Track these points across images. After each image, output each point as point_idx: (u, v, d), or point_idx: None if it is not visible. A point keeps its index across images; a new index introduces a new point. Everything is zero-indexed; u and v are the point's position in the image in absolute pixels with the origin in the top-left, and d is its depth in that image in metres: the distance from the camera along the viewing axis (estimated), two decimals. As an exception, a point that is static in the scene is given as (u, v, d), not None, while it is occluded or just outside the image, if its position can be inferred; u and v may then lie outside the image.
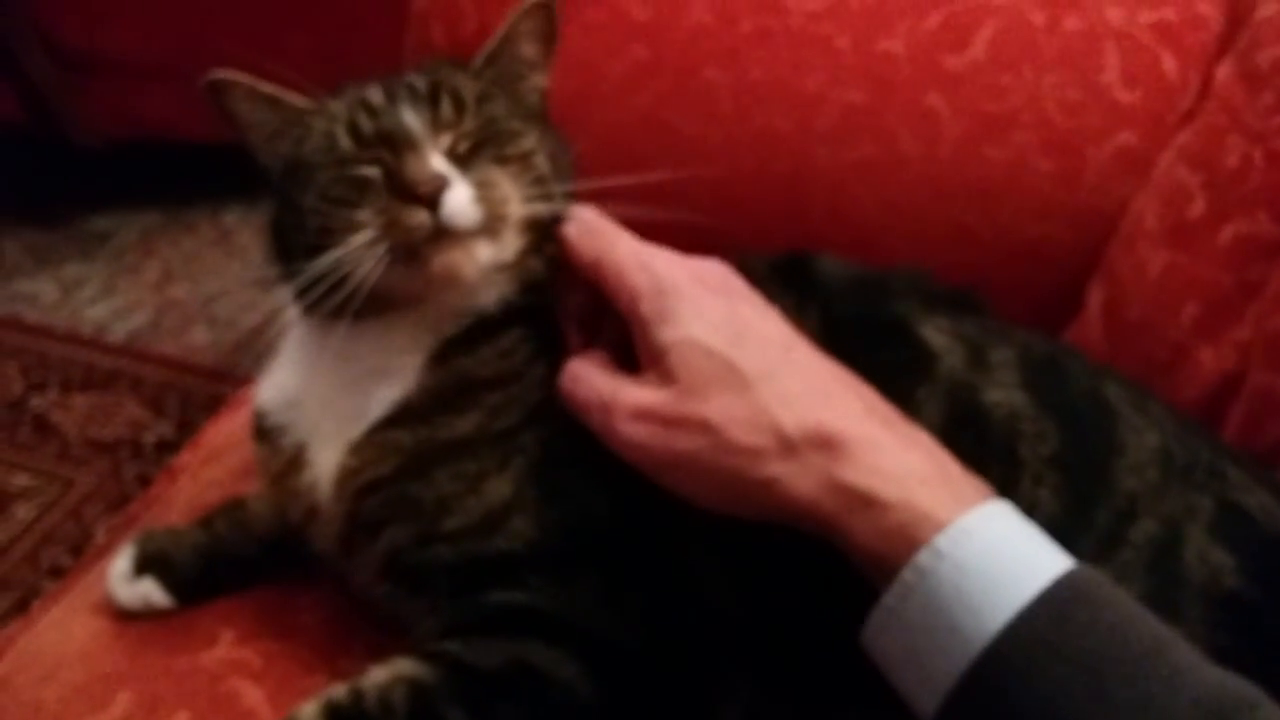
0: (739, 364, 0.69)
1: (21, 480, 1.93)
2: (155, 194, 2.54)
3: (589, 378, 0.74)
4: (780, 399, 0.68)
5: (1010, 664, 0.59)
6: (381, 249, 0.74)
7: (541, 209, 0.78)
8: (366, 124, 0.78)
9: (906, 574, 0.62)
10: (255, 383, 0.89)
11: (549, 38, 0.85)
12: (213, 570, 0.88)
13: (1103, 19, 1.02)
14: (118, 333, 2.24)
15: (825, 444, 0.66)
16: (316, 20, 2.17)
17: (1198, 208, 0.92)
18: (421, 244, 0.74)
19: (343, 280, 0.74)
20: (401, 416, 0.78)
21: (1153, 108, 1.00)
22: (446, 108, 0.79)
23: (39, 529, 1.85)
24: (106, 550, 0.98)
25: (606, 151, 0.87)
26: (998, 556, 0.62)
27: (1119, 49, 1.01)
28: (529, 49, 0.84)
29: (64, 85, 2.29)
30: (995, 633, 0.59)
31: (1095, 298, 1.00)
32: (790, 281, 0.82)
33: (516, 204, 0.78)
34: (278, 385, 0.85)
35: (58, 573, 1.75)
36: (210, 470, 1.04)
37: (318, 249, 0.75)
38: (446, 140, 0.78)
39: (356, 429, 0.79)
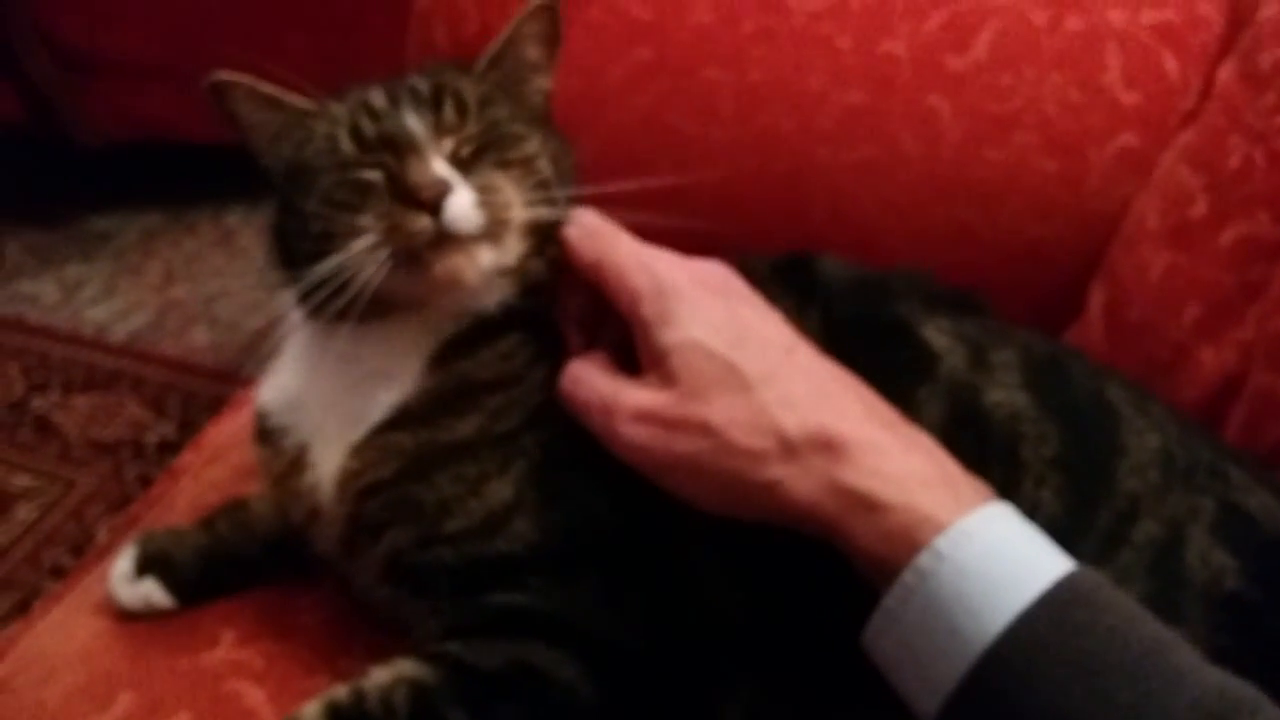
0: (740, 366, 0.69)
1: (23, 481, 1.93)
2: (157, 194, 2.54)
3: (590, 379, 0.74)
4: (781, 401, 0.68)
5: (1010, 666, 0.59)
6: (383, 254, 0.74)
7: (543, 213, 0.78)
8: (369, 127, 0.78)
9: (907, 576, 0.62)
10: (257, 384, 0.89)
11: (552, 40, 0.84)
12: (214, 571, 0.88)
13: (1104, 20, 1.01)
14: (119, 333, 2.24)
15: (826, 446, 0.66)
16: (318, 20, 2.17)
17: (1199, 208, 0.92)
18: (423, 249, 0.74)
19: (345, 285, 0.74)
20: (402, 419, 0.78)
21: (1154, 108, 1.00)
22: (449, 111, 0.78)
23: (40, 530, 1.85)
24: (108, 551, 0.98)
25: (608, 152, 0.87)
26: (998, 559, 0.62)
27: (1120, 50, 1.01)
28: (532, 51, 0.84)
29: (65, 85, 2.29)
30: (995, 635, 0.59)
31: (1096, 298, 1.00)
32: (791, 282, 0.82)
33: (518, 208, 0.78)
34: (280, 387, 0.85)
35: (59, 573, 1.75)
36: (212, 471, 1.04)
37: (320, 253, 0.75)
38: (449, 144, 0.78)
39: (358, 431, 0.79)
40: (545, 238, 0.79)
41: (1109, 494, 0.72)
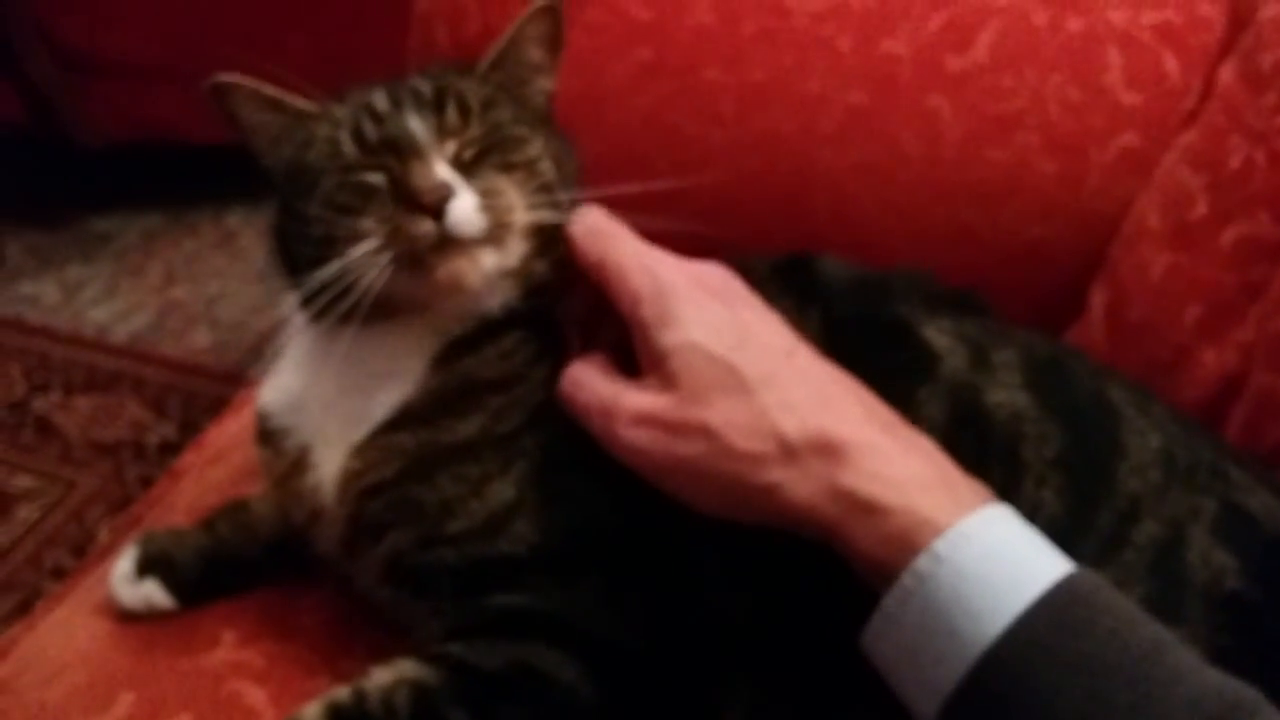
0: (740, 369, 0.69)
1: (24, 482, 1.93)
2: (157, 195, 2.54)
3: (590, 382, 0.74)
4: (781, 404, 0.68)
5: (1009, 668, 0.59)
6: (386, 257, 0.74)
7: (546, 216, 0.78)
8: (371, 130, 0.78)
9: (906, 578, 0.62)
10: (258, 384, 0.89)
11: (555, 41, 0.84)
12: (215, 572, 0.88)
13: (1105, 20, 1.01)
14: (120, 334, 2.24)
15: (826, 450, 0.66)
16: (319, 21, 2.17)
17: (1200, 209, 0.92)
18: (426, 252, 0.74)
19: (347, 288, 0.74)
20: (404, 419, 0.78)
21: (1155, 109, 1.00)
22: (452, 114, 0.78)
23: (41, 530, 1.85)
24: (109, 552, 0.98)
25: (608, 153, 0.87)
26: (997, 561, 0.62)
27: (1121, 50, 1.01)
28: (535, 53, 0.84)
29: (66, 86, 2.29)
30: (994, 637, 0.59)
31: (1097, 299, 1.00)
32: (792, 282, 0.82)
33: (521, 211, 0.78)
34: (281, 388, 0.85)
35: (60, 574, 1.75)
36: (213, 472, 1.04)
37: (321, 258, 0.75)
38: (451, 147, 0.78)
39: (360, 431, 0.79)
40: (548, 240, 0.79)
41: (1110, 494, 0.72)
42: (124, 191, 2.52)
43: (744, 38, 1.07)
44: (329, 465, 0.80)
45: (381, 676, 0.72)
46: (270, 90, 0.80)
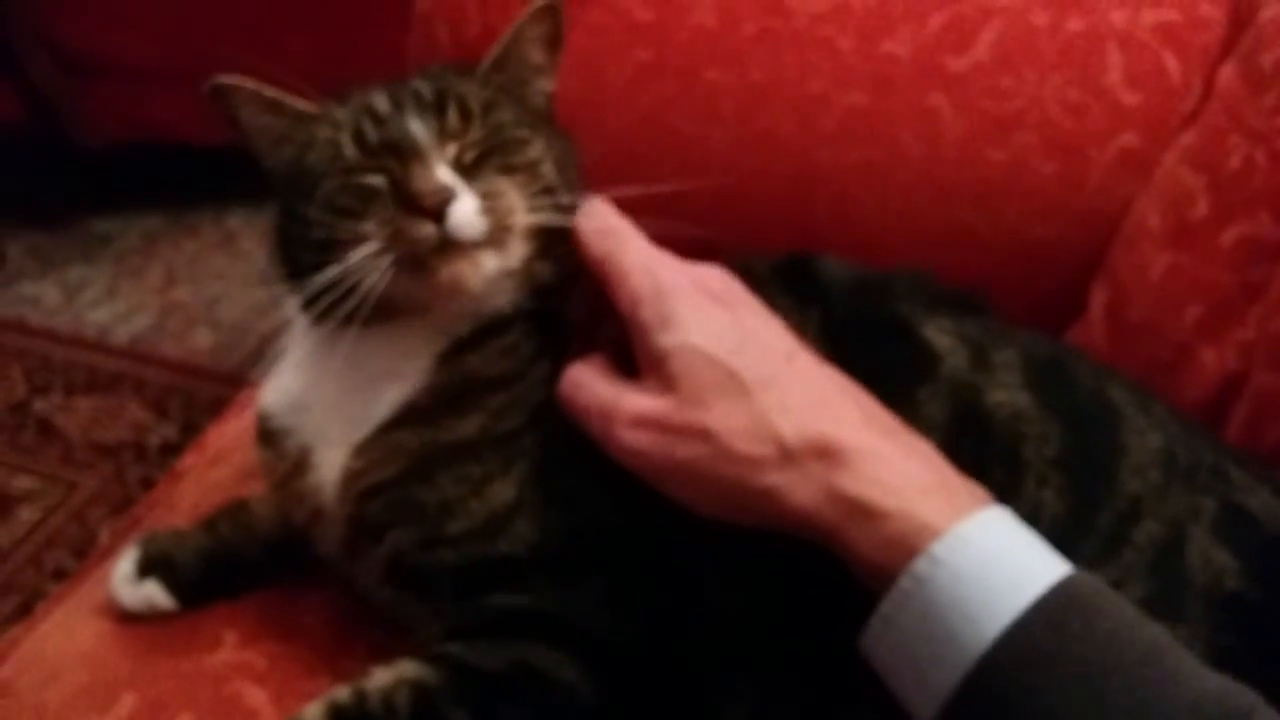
0: (740, 372, 0.69)
1: (25, 483, 1.93)
2: (158, 197, 2.54)
3: (589, 384, 0.74)
4: (781, 408, 0.68)
5: (1007, 671, 0.59)
6: (386, 260, 0.74)
7: (547, 218, 0.78)
8: (372, 132, 0.78)
9: (904, 581, 0.62)
10: (259, 385, 0.89)
11: (555, 41, 0.84)
12: (216, 572, 0.89)
13: (1105, 20, 1.01)
14: (121, 335, 2.24)
15: (825, 453, 0.66)
16: (320, 22, 2.17)
17: (1200, 209, 0.92)
18: (427, 255, 0.74)
19: (348, 291, 0.74)
20: (407, 417, 0.78)
21: (1155, 109, 1.00)
22: (453, 116, 0.78)
23: (42, 532, 1.85)
24: (110, 553, 0.98)
25: (609, 153, 0.87)
26: (995, 563, 0.62)
27: (1122, 50, 1.01)
28: (535, 53, 0.84)
29: (67, 88, 2.29)
30: (992, 640, 0.59)
31: (1098, 299, 1.00)
32: (792, 283, 0.82)
33: (522, 214, 0.78)
34: (282, 389, 0.85)
35: (61, 575, 1.75)
36: (214, 473, 1.04)
37: (322, 261, 0.75)
38: (452, 150, 0.78)
39: (362, 431, 0.79)
40: (550, 241, 0.79)
41: (1110, 494, 0.72)
42: (125, 193, 2.52)
43: (744, 38, 1.07)
44: (330, 466, 0.80)
45: (382, 677, 0.72)
46: (270, 92, 0.80)
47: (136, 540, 0.90)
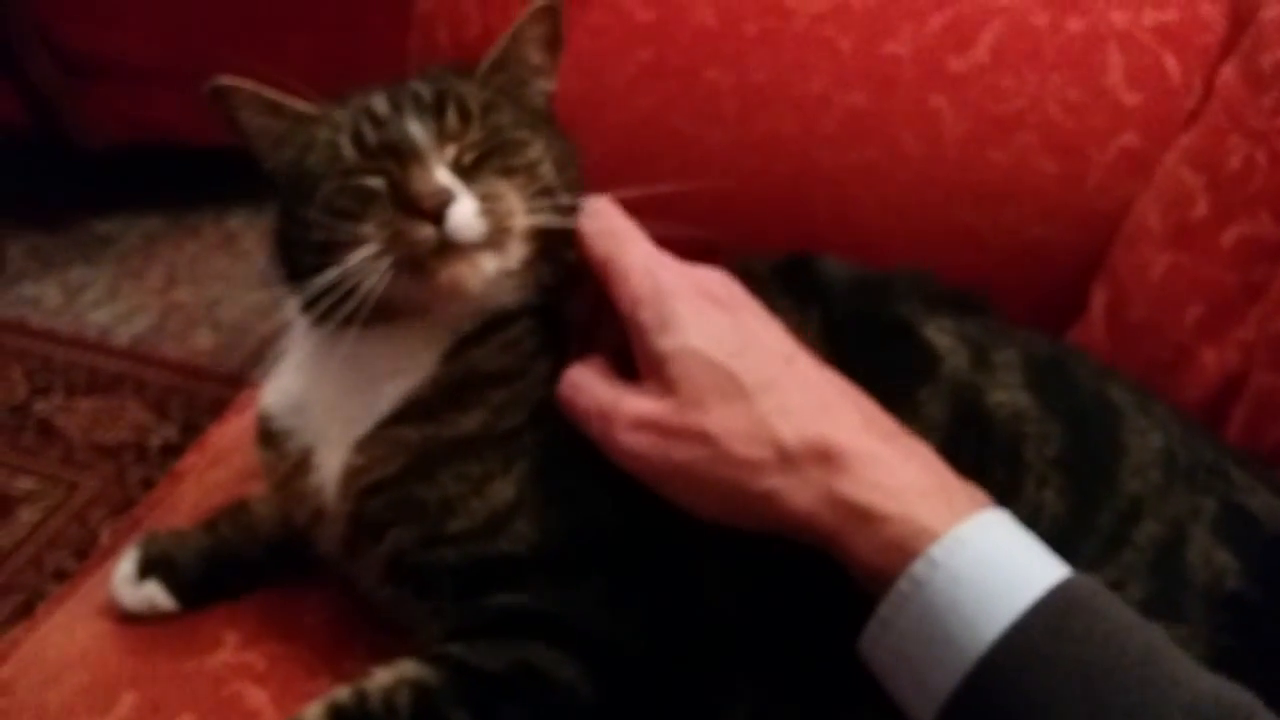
0: (739, 375, 0.69)
1: (26, 484, 1.93)
2: (159, 197, 2.54)
3: (589, 386, 0.74)
4: (780, 411, 0.68)
5: (1005, 674, 0.59)
6: (386, 262, 0.74)
7: (546, 220, 0.78)
8: (371, 134, 0.78)
9: (902, 584, 0.62)
10: (260, 386, 0.89)
11: (554, 42, 0.84)
12: (217, 573, 0.89)
13: (1106, 21, 1.01)
14: (122, 336, 2.24)
15: (825, 457, 0.66)
16: (320, 23, 2.17)
17: (1201, 209, 0.92)
18: (426, 257, 0.74)
19: (348, 293, 0.74)
20: (410, 412, 0.78)
21: (1156, 109, 1.00)
22: (452, 118, 0.78)
23: (43, 532, 1.85)
24: (111, 553, 0.98)
25: (609, 154, 0.87)
26: (992, 566, 0.62)
27: (1122, 51, 1.01)
28: (535, 54, 0.84)
29: (68, 89, 2.29)
30: (990, 643, 0.59)
31: (1098, 299, 1.00)
32: (792, 283, 0.82)
33: (521, 215, 0.78)
34: (283, 389, 0.85)
35: (62, 576, 1.75)
36: (214, 473, 1.05)
37: (322, 263, 0.75)
38: (452, 152, 0.78)
39: (363, 428, 0.79)
40: (551, 242, 0.79)
41: (1111, 494, 0.72)
42: (125, 194, 2.52)
43: (745, 39, 1.07)
44: (331, 465, 0.80)
45: (383, 677, 0.72)
46: (270, 93, 0.80)
47: (137, 541, 0.90)
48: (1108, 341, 0.97)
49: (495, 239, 0.76)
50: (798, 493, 0.66)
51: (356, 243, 0.75)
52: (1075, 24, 1.02)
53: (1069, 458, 0.73)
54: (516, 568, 0.74)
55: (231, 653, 0.85)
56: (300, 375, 0.84)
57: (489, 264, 0.76)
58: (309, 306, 0.78)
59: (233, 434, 1.10)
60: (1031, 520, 0.66)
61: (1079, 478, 0.73)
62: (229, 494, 0.96)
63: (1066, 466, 0.73)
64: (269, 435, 0.85)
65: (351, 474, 0.79)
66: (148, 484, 1.86)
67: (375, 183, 0.76)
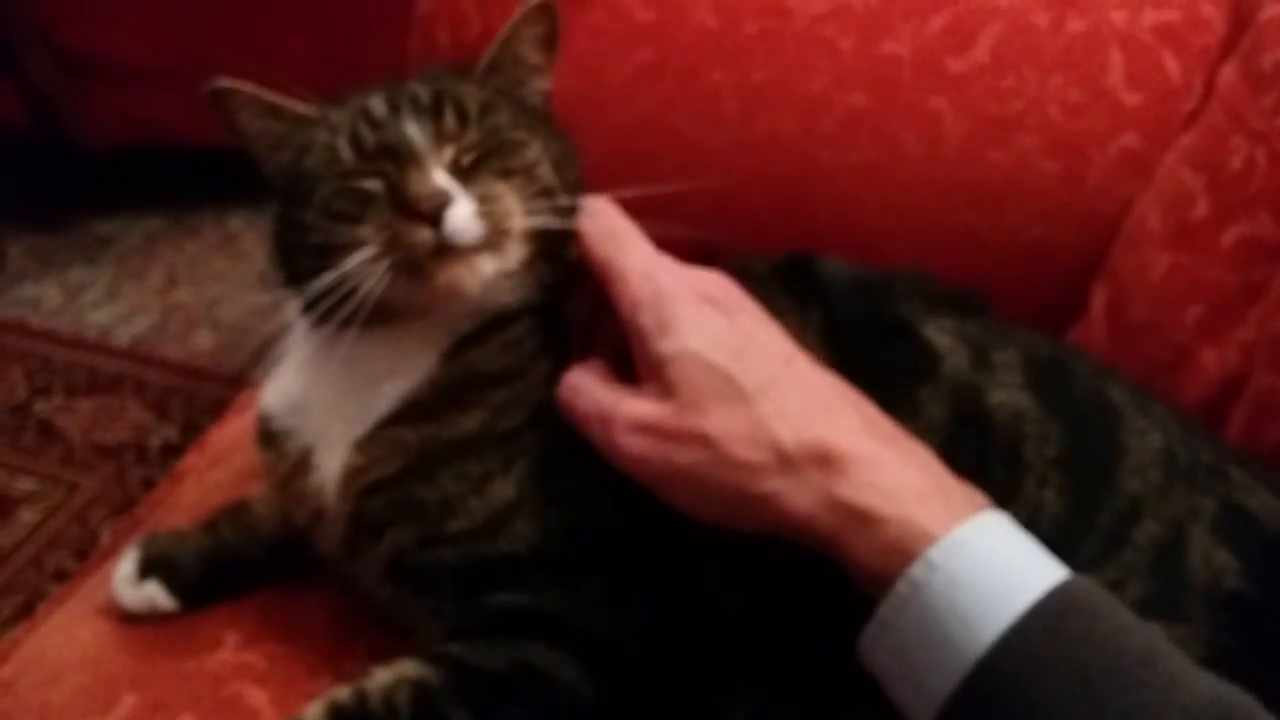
0: (738, 378, 0.69)
1: (26, 484, 1.93)
2: (159, 198, 2.54)
3: (589, 389, 0.74)
4: (779, 414, 0.68)
5: (1004, 675, 0.59)
6: (383, 265, 0.74)
7: (545, 221, 0.78)
8: (369, 136, 0.78)
9: (901, 586, 0.62)
10: (260, 386, 0.89)
11: (550, 41, 0.84)
12: (217, 573, 0.89)
13: (1106, 21, 1.01)
14: (122, 337, 2.24)
15: (824, 460, 0.66)
16: (320, 23, 2.17)
17: (1201, 209, 0.92)
18: (424, 259, 0.74)
19: (346, 295, 0.74)
20: (409, 412, 0.78)
21: (1156, 110, 1.00)
22: (450, 119, 0.78)
23: (44, 533, 1.85)
24: (111, 554, 0.98)
25: (610, 154, 0.87)
26: (991, 568, 0.62)
27: (1122, 51, 1.01)
28: (531, 53, 0.84)
29: (68, 89, 2.29)
30: (989, 645, 0.59)
31: (1098, 299, 1.00)
32: (792, 283, 0.82)
33: (519, 217, 0.78)
34: (283, 390, 0.85)
35: (62, 576, 1.75)
36: (215, 473, 1.05)
37: (320, 266, 0.75)
38: (449, 153, 0.78)
39: (363, 427, 0.79)
40: (549, 243, 0.79)
41: (1111, 494, 0.72)
42: (126, 194, 2.52)
43: (745, 39, 1.07)
44: (331, 465, 0.80)
45: (383, 676, 0.72)
46: (268, 95, 0.80)
47: (137, 541, 0.90)
48: (1108, 341, 0.97)
49: (493, 241, 0.76)
50: (796, 495, 0.66)
51: (354, 245, 0.75)
52: (1075, 24, 1.02)
53: (1069, 458, 0.73)
54: (516, 567, 0.74)
55: (232, 653, 0.85)
56: (300, 376, 0.84)
57: (487, 266, 0.76)
58: (308, 308, 0.78)
59: (233, 434, 1.10)
60: (1031, 520, 0.66)
61: (1079, 478, 0.73)
62: (229, 494, 0.96)
63: (1066, 466, 0.73)
64: (269, 435, 0.85)
65: (351, 474, 0.79)
66: (148, 484, 1.86)
67: (373, 185, 0.76)
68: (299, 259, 0.78)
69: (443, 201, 0.74)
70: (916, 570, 0.62)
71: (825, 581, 0.67)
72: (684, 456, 0.69)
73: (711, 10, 1.08)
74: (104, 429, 2.03)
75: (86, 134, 2.33)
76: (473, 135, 0.78)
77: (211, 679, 0.83)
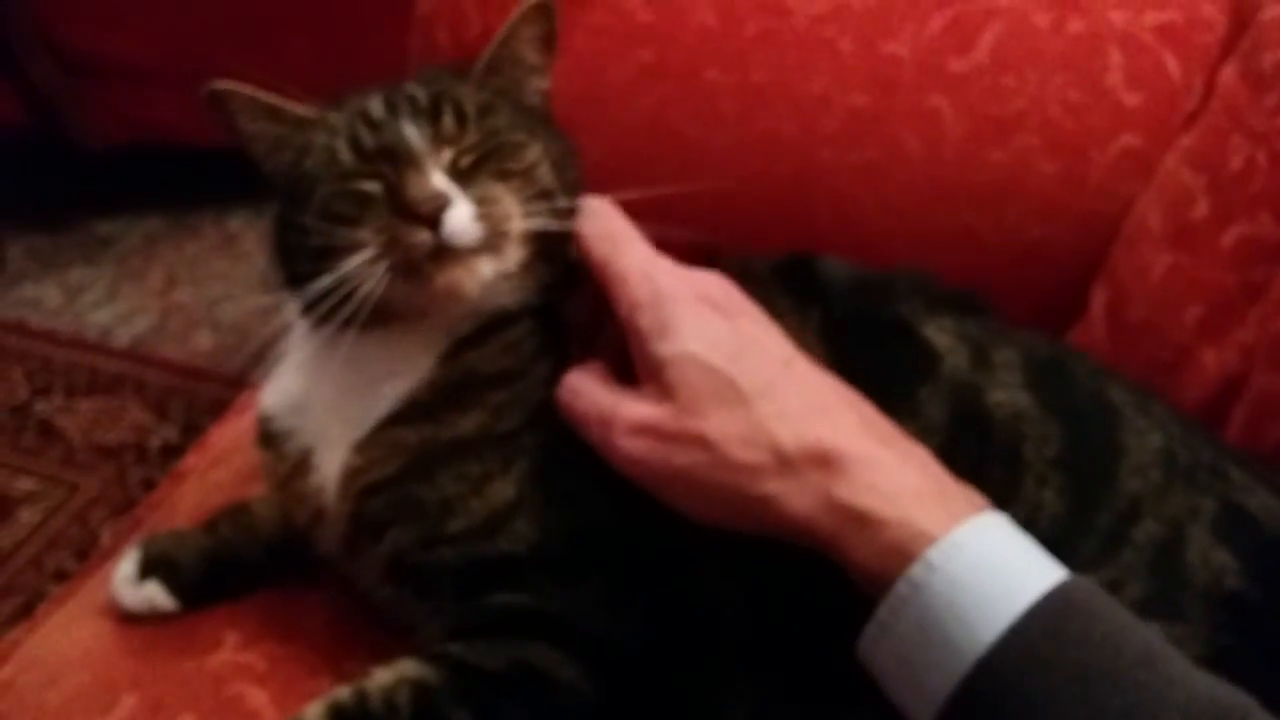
0: (737, 380, 0.69)
1: (26, 485, 1.93)
2: (159, 198, 2.54)
3: (588, 391, 0.74)
4: (778, 415, 0.68)
5: (1003, 676, 0.59)
6: (382, 267, 0.74)
7: (543, 223, 0.78)
8: (367, 138, 0.78)
9: (900, 587, 0.62)
10: (260, 387, 0.89)
11: (549, 40, 0.84)
12: (217, 573, 0.89)
13: (1106, 21, 1.01)
14: (122, 337, 2.24)
15: (823, 461, 0.66)
16: (321, 24, 2.17)
17: (1201, 210, 0.92)
18: (423, 262, 0.74)
19: (346, 297, 0.74)
20: (408, 413, 0.78)
21: (1156, 110, 1.00)
22: (448, 121, 0.78)
23: (44, 533, 1.85)
24: (111, 554, 0.98)
25: (610, 154, 0.87)
26: (989, 569, 0.62)
27: (1123, 51, 1.01)
28: (530, 53, 0.84)
29: (68, 89, 2.29)
30: (987, 645, 0.59)
31: (1098, 299, 1.00)
32: (792, 283, 0.82)
33: (518, 219, 0.77)
34: (283, 391, 0.85)
35: (62, 577, 1.75)
36: (215, 474, 1.05)
37: (319, 269, 0.75)
38: (448, 155, 0.77)
39: (363, 428, 0.79)
40: (549, 244, 0.79)
41: (1110, 494, 0.72)
42: (126, 194, 2.53)
43: (746, 39, 1.07)
44: (331, 466, 0.80)
45: (383, 676, 0.72)
46: (267, 97, 0.80)
47: (138, 541, 0.90)
48: (1108, 342, 0.97)
49: (492, 243, 0.76)
50: (796, 497, 0.66)
51: (353, 247, 0.75)
52: (1076, 24, 1.02)
53: (1068, 457, 0.73)
54: (516, 567, 0.74)
55: (232, 653, 0.85)
56: (300, 376, 0.84)
57: (486, 268, 0.76)
58: (308, 309, 0.78)
59: (233, 435, 1.10)
60: (1030, 520, 0.66)
61: (1078, 477, 0.73)
62: (229, 494, 0.96)
63: (1066, 466, 0.73)
64: (269, 436, 0.85)
65: (351, 475, 0.79)
66: (148, 485, 1.86)
67: (371, 187, 0.76)
68: (298, 260, 0.78)
69: (441, 204, 0.74)
70: (915, 571, 0.62)
71: (825, 582, 0.67)
72: (683, 458, 0.69)
73: (711, 10, 1.08)
74: (104, 429, 2.03)
75: (86, 134, 2.33)
76: (471, 137, 0.78)
77: (211, 679, 0.83)
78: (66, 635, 0.89)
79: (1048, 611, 0.60)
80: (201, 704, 0.82)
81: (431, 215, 0.74)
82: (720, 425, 0.68)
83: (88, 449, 1.99)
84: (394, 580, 0.79)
